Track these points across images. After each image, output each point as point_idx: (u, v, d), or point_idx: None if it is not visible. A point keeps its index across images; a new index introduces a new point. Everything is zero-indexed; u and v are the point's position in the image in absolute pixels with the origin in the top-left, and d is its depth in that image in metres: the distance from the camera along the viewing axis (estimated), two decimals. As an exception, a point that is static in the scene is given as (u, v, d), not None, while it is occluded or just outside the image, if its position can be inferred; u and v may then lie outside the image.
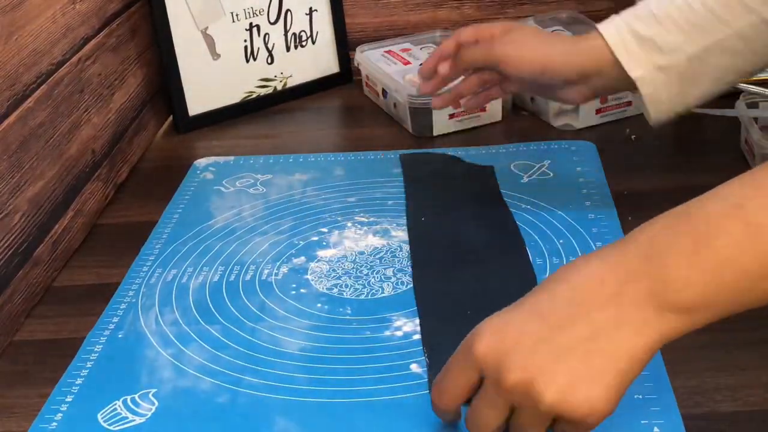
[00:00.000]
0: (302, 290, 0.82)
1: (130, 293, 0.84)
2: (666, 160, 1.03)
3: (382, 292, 0.81)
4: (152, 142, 1.17)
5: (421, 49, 1.22)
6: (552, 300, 0.56)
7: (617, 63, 0.81)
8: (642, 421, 0.64)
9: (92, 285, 0.87)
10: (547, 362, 0.54)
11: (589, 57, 0.82)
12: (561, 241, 0.85)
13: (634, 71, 0.80)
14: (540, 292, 0.58)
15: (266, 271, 0.85)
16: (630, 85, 0.82)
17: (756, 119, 0.96)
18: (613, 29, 0.81)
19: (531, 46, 0.85)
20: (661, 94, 0.80)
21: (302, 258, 0.87)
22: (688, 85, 0.80)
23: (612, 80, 0.82)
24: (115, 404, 0.70)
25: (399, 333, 0.75)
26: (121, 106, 1.08)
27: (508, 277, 0.80)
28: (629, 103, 1.10)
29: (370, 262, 0.86)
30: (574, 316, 0.55)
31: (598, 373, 0.54)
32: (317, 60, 1.27)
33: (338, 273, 0.84)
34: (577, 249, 0.84)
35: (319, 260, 0.87)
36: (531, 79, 0.86)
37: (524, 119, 1.13)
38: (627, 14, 0.82)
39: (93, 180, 0.99)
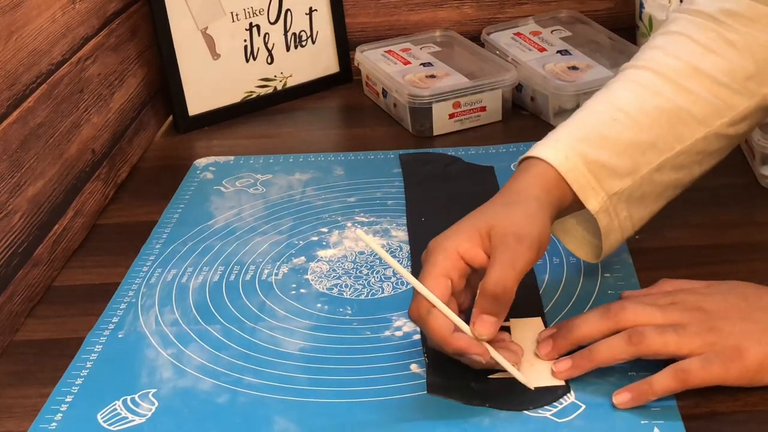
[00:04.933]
0: (302, 290, 0.82)
1: (130, 293, 0.84)
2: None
3: (382, 292, 0.81)
4: (152, 141, 1.17)
5: (420, 48, 1.22)
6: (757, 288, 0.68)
7: (573, 195, 0.72)
8: (642, 422, 0.64)
9: (92, 285, 0.87)
10: (755, 331, 0.64)
11: (550, 204, 0.71)
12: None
13: (591, 203, 0.72)
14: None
15: (266, 271, 0.85)
16: (576, 209, 0.74)
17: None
18: (563, 157, 0.72)
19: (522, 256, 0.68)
20: (613, 222, 0.74)
21: (302, 258, 0.87)
22: (634, 208, 0.74)
23: (564, 210, 0.74)
24: (115, 404, 0.70)
25: (399, 333, 0.75)
26: (121, 106, 1.08)
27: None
28: (629, 103, 1.09)
29: (370, 262, 0.86)
30: None
31: None
32: (317, 60, 1.27)
33: (338, 273, 0.84)
34: (577, 249, 0.84)
35: (319, 260, 0.87)
36: None
37: (524, 119, 1.13)
38: (568, 135, 0.74)
39: (93, 180, 0.99)
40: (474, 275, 0.69)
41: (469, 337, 0.66)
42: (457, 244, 0.68)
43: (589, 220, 0.75)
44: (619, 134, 0.74)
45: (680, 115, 0.75)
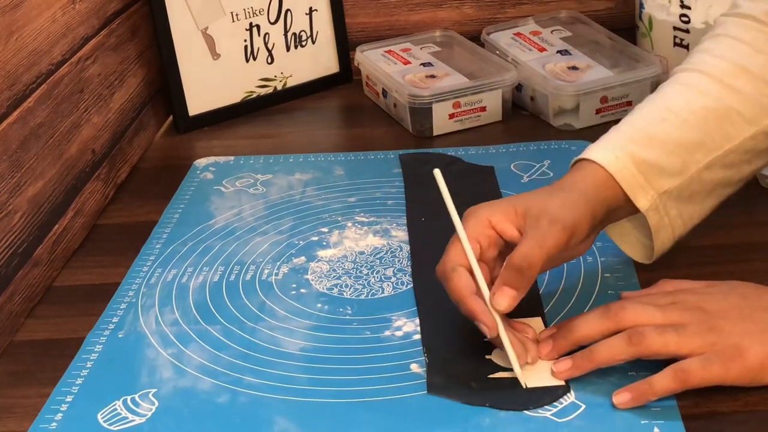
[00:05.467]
0: (302, 290, 0.82)
1: (130, 293, 0.84)
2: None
3: (382, 292, 0.81)
4: (152, 142, 1.17)
5: (421, 48, 1.22)
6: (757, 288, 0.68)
7: (623, 194, 0.73)
8: (642, 421, 0.64)
9: (92, 285, 0.87)
10: (756, 331, 0.64)
11: (598, 201, 0.72)
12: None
13: (641, 201, 0.73)
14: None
15: (266, 271, 0.85)
16: (627, 212, 0.75)
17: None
18: (612, 156, 0.73)
19: (555, 240, 0.69)
20: (663, 220, 0.75)
21: (302, 258, 0.87)
22: (684, 206, 0.75)
23: (615, 211, 0.74)
24: (115, 404, 0.70)
25: (399, 333, 0.75)
26: (121, 106, 1.08)
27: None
28: (629, 103, 1.10)
29: (370, 262, 0.86)
30: None
31: None
32: (317, 60, 1.27)
33: (338, 273, 0.84)
34: (577, 249, 0.84)
35: (319, 260, 0.87)
36: None
37: (524, 119, 1.13)
38: (618, 135, 0.75)
39: (93, 180, 0.99)
40: (506, 249, 0.71)
41: (485, 304, 0.67)
42: (491, 214, 0.70)
43: (644, 223, 0.76)
44: (667, 134, 0.75)
45: (728, 114, 0.75)
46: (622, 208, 0.75)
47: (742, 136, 0.76)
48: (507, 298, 0.67)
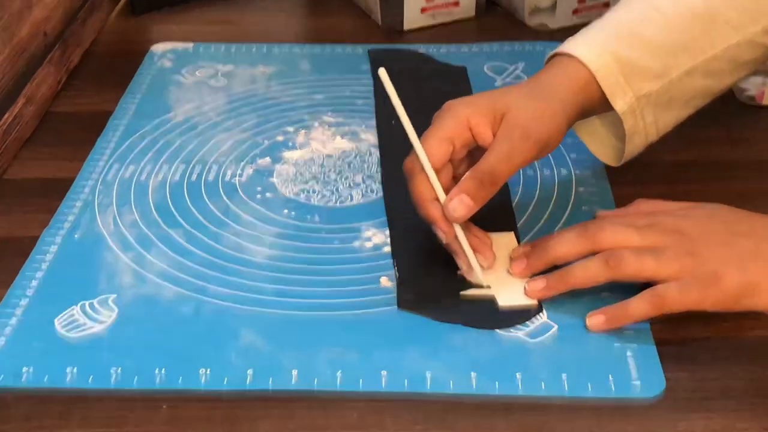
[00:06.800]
0: (268, 194, 0.79)
1: (86, 190, 0.80)
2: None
3: (351, 200, 0.78)
4: (106, 23, 1.10)
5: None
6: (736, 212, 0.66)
7: (601, 95, 0.71)
8: (615, 344, 0.63)
9: (45, 179, 0.83)
10: (734, 256, 0.62)
11: (575, 107, 0.70)
12: (535, 151, 0.82)
13: (619, 103, 0.71)
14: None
15: (229, 172, 0.82)
16: (602, 111, 0.74)
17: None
18: (594, 53, 0.71)
19: (525, 148, 0.67)
20: (638, 125, 0.73)
21: (267, 159, 0.84)
22: (661, 112, 0.73)
23: (588, 112, 0.73)
24: (73, 309, 0.67)
25: (369, 244, 0.73)
26: (74, -16, 1.02)
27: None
28: (606, 4, 1.06)
29: (339, 166, 0.83)
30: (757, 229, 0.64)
31: None
32: (282, -59, 1.20)
33: (305, 177, 0.81)
34: (551, 158, 0.82)
35: (284, 162, 0.83)
36: None
37: (498, 16, 1.10)
38: (600, 32, 0.73)
39: (45, 65, 0.93)
40: (477, 151, 0.68)
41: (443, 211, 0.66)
42: (471, 115, 0.67)
43: (615, 122, 0.74)
44: (652, 34, 0.72)
45: (715, 18, 0.73)
46: (596, 108, 0.73)
47: (727, 43, 0.73)
48: (464, 208, 0.65)
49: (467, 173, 0.66)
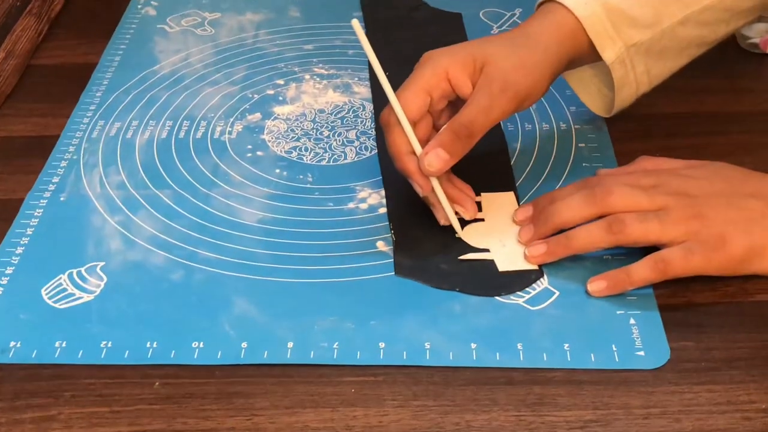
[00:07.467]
0: (259, 153, 0.77)
1: (71, 149, 0.78)
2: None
3: (345, 158, 0.76)
4: (87, -32, 1.06)
5: None
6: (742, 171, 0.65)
7: (589, 42, 0.69)
8: (618, 312, 0.61)
9: (28, 137, 0.80)
10: (741, 219, 0.61)
11: (561, 56, 0.68)
12: (533, 105, 0.80)
13: (608, 52, 0.69)
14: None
15: (219, 128, 0.80)
16: (591, 61, 0.71)
17: None
18: (582, 1, 0.68)
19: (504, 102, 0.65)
20: (628, 75, 0.70)
21: (257, 114, 0.81)
22: (652, 62, 0.71)
23: (577, 61, 0.71)
24: (60, 278, 0.65)
25: (363, 206, 0.71)
26: (52, -72, 0.97)
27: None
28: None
29: (331, 122, 0.80)
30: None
31: None
32: None
33: (297, 134, 0.79)
34: (550, 113, 0.79)
35: (275, 118, 0.81)
36: None
37: (493, -42, 1.06)
38: None
39: (25, 15, 0.90)
40: (459, 102, 0.66)
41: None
42: (449, 65, 0.65)
43: (606, 72, 0.71)
44: None
45: None
46: (585, 58, 0.71)
47: None
48: (439, 161, 0.63)
49: (444, 127, 0.64)
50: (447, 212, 0.66)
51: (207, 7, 0.97)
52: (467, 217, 0.67)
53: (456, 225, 0.66)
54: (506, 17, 0.93)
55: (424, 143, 0.65)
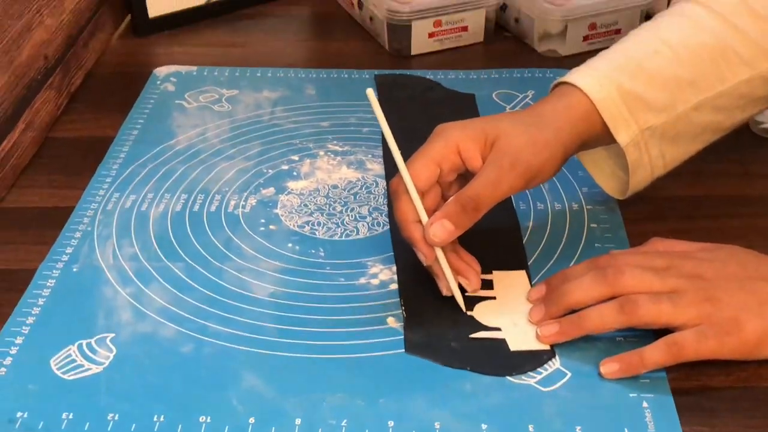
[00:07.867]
0: (272, 227, 0.77)
1: (86, 220, 0.78)
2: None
3: (357, 233, 0.76)
4: (108, 45, 1.08)
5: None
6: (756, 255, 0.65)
7: (603, 125, 0.69)
8: (630, 395, 0.61)
9: (44, 208, 0.81)
10: (754, 303, 0.61)
11: (573, 136, 0.68)
12: (546, 185, 0.80)
13: (622, 135, 0.69)
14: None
15: (233, 203, 0.80)
16: (605, 143, 0.72)
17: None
18: (597, 84, 0.69)
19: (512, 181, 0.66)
20: (642, 158, 0.71)
21: (271, 189, 0.82)
22: (667, 146, 0.71)
23: (591, 143, 0.71)
24: (70, 349, 0.65)
25: (375, 281, 0.71)
26: (76, 5, 1.00)
27: (490, 218, 0.75)
28: (618, 31, 1.04)
29: (344, 197, 0.80)
30: None
31: None
32: (288, -38, 1.19)
33: (310, 209, 0.79)
34: (562, 193, 0.80)
35: (289, 192, 0.81)
36: None
37: (507, 41, 1.07)
38: (605, 62, 0.71)
39: (45, 89, 0.91)
40: (468, 175, 0.67)
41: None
42: (460, 139, 0.66)
43: (620, 154, 0.72)
44: (659, 67, 0.70)
45: (725, 53, 0.71)
46: (599, 140, 0.71)
47: (737, 79, 0.71)
48: (444, 232, 0.64)
49: (450, 199, 0.65)
50: (450, 283, 0.66)
51: (225, 84, 0.99)
52: (470, 290, 0.67)
53: (458, 296, 0.67)
54: (518, 98, 0.94)
55: (431, 213, 0.65)
